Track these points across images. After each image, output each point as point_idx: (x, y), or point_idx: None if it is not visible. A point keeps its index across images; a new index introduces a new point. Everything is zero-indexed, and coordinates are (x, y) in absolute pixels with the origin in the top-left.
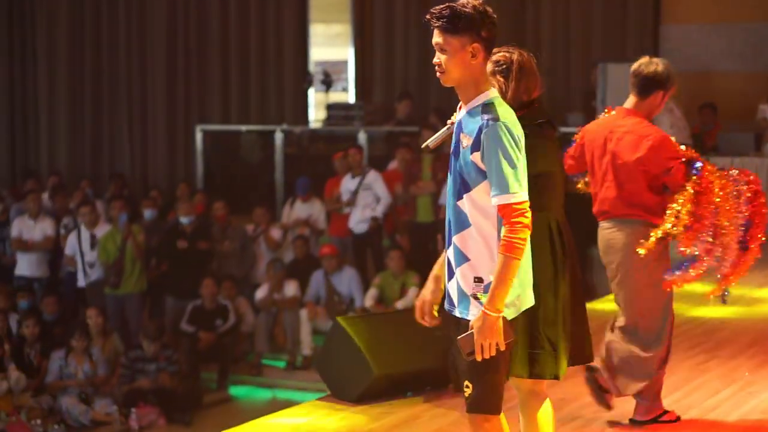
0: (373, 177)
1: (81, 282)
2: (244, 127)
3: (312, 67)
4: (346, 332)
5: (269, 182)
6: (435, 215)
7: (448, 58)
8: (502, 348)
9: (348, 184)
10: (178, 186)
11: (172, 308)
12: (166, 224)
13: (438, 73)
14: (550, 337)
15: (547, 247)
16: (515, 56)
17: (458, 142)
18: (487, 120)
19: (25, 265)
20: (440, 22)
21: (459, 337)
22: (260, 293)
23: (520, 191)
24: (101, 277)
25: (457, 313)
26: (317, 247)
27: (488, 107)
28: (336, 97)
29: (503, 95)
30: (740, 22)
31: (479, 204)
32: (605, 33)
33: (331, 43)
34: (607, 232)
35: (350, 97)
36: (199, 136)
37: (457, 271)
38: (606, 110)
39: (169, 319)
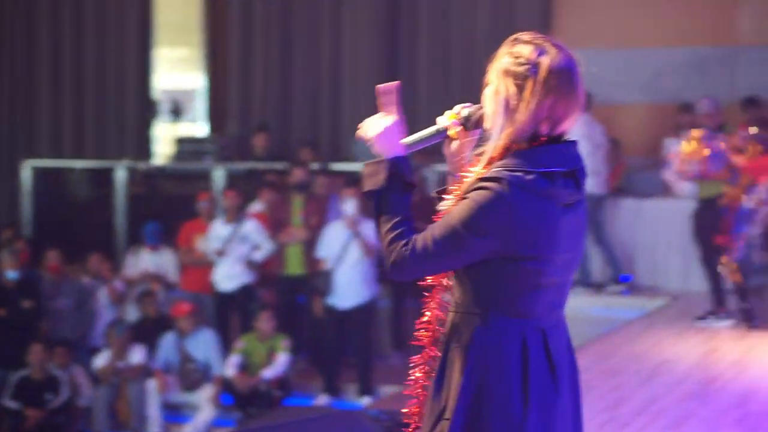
0: (252, 226)
1: None
2: (79, 163)
3: (157, 96)
4: None
5: (109, 227)
6: (307, 267)
7: None
8: None
9: (218, 230)
10: (2, 231)
11: None
12: None
13: None
14: None
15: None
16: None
17: None
18: None
19: None
20: None
21: None
22: (100, 361)
23: None
24: None
25: None
26: (168, 304)
27: None
28: (184, 129)
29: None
30: (640, 47)
31: None
32: (488, 58)
33: (178, 69)
34: None
35: (200, 130)
36: (26, 174)
37: None
38: None
39: None
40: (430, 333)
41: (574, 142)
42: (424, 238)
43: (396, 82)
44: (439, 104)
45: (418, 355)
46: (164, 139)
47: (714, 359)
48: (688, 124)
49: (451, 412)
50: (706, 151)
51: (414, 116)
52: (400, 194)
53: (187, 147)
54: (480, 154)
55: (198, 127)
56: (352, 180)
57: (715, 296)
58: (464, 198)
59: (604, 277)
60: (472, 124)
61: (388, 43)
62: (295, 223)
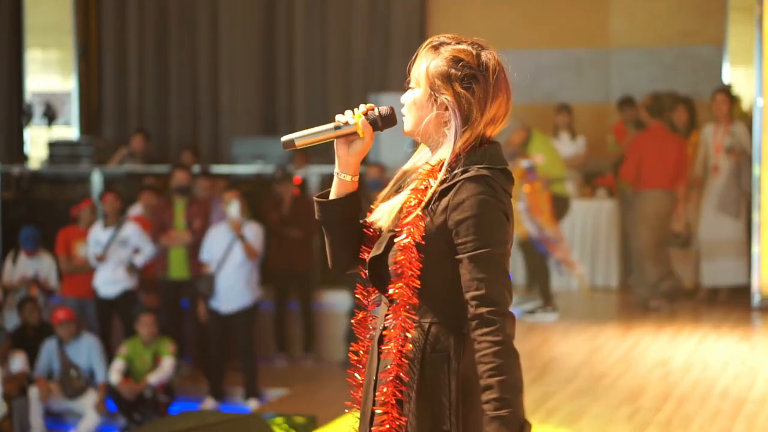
0: (132, 229)
1: None
2: None
3: (29, 98)
4: None
5: None
6: (191, 271)
7: None
8: None
9: (98, 235)
10: None
11: None
12: None
13: None
14: None
15: None
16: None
17: None
18: None
19: None
20: None
21: None
22: None
23: None
24: None
25: None
26: (48, 310)
27: None
28: (58, 132)
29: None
30: (515, 49)
31: None
32: (367, 63)
33: (50, 71)
34: None
35: (74, 133)
36: None
37: None
38: None
39: None
40: (398, 346)
41: (497, 141)
42: (480, 287)
43: None
44: (317, 104)
45: (386, 371)
46: (37, 143)
47: (600, 356)
48: (564, 124)
49: (449, 424)
50: None
51: (292, 117)
52: None
53: (60, 150)
54: (427, 162)
55: (72, 130)
56: (234, 182)
57: (543, 292)
58: (442, 206)
59: None
60: (383, 125)
61: (265, 42)
62: (178, 226)
